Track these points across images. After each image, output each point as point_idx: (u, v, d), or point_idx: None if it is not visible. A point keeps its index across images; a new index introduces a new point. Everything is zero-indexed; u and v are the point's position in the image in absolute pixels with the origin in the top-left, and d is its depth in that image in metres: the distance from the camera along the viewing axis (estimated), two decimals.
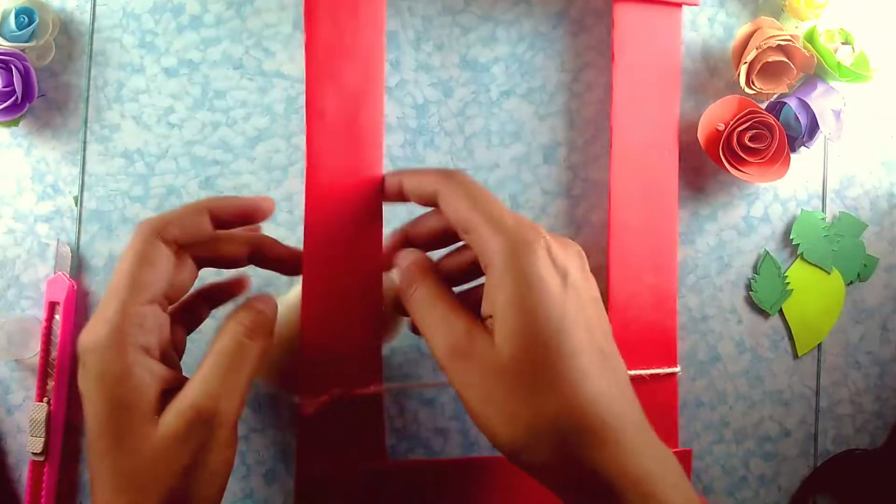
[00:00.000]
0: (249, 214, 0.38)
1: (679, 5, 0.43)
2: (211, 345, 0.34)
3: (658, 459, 0.29)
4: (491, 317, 0.30)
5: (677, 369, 0.42)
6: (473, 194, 0.32)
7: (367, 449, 0.37)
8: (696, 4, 0.43)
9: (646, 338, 0.42)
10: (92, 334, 0.33)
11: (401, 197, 0.37)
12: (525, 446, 0.29)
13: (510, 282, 0.29)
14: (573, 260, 0.32)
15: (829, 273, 0.46)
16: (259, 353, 0.34)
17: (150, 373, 0.33)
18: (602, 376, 0.29)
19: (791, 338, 0.46)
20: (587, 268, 0.33)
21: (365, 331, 0.37)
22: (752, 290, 0.46)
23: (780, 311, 0.46)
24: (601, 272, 0.43)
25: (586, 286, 0.31)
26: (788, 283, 0.46)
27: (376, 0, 0.38)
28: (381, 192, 0.38)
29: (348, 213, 0.37)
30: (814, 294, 0.46)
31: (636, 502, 0.28)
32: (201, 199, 0.37)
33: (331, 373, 0.36)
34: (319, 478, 0.36)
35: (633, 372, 0.41)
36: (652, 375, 0.41)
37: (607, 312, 0.39)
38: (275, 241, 0.38)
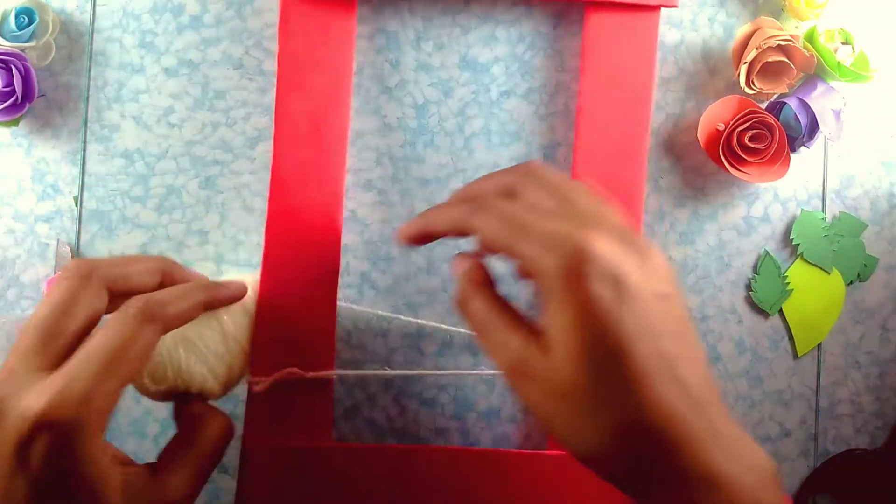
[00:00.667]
0: (236, 300, 0.38)
1: (656, 8, 0.43)
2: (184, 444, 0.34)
3: (734, 460, 0.28)
4: (548, 332, 0.30)
5: None
6: (510, 218, 0.31)
7: (313, 429, 0.39)
8: (674, 6, 0.43)
9: None
10: (59, 408, 0.29)
11: (434, 238, 0.35)
12: (599, 460, 0.29)
13: (562, 305, 0.28)
14: (629, 259, 0.29)
15: (829, 273, 0.46)
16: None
17: (107, 463, 0.31)
18: (669, 383, 0.28)
19: (791, 338, 0.46)
20: (652, 257, 0.30)
21: (319, 316, 0.39)
22: (752, 290, 0.46)
23: (780, 311, 0.46)
24: None
25: (647, 284, 0.29)
26: (788, 283, 0.46)
27: (347, 17, 0.41)
28: (342, 188, 0.41)
29: (309, 204, 0.40)
30: (814, 294, 0.46)
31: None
32: (196, 284, 0.36)
33: (283, 354, 0.38)
34: (263, 451, 0.38)
35: None
36: None
37: None
38: (182, 269, 0.38)
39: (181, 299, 0.34)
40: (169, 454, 0.35)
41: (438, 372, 0.43)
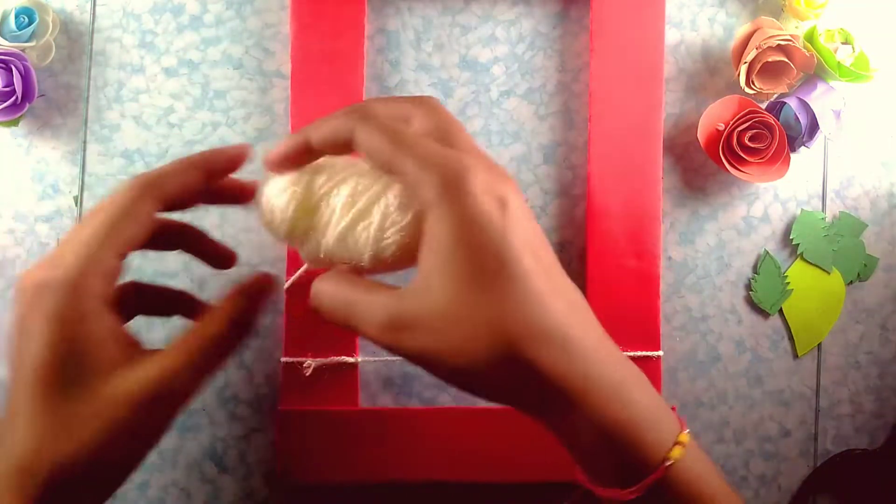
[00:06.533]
0: (237, 164, 0.36)
1: None
2: (195, 325, 0.33)
3: (618, 366, 0.29)
4: (421, 263, 0.30)
5: (660, 353, 0.43)
6: (392, 133, 0.30)
7: (341, 396, 0.42)
8: None
9: (627, 320, 0.43)
10: (52, 271, 0.31)
11: (313, 155, 0.33)
12: (488, 381, 0.29)
13: (442, 221, 0.28)
14: (508, 185, 0.30)
15: (829, 273, 0.46)
16: (234, 348, 0.33)
17: (109, 327, 0.32)
18: (553, 295, 0.29)
19: (791, 338, 0.46)
20: (521, 192, 0.31)
21: None
22: (752, 290, 0.46)
23: (780, 311, 0.46)
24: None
25: (525, 211, 0.30)
26: (788, 283, 0.46)
27: (357, 9, 0.43)
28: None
29: None
30: (814, 294, 0.46)
31: (596, 408, 0.28)
32: (191, 155, 0.35)
33: (311, 339, 0.42)
34: (297, 416, 0.42)
35: None
36: (632, 358, 0.42)
37: (585, 295, 0.41)
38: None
39: (180, 172, 0.34)
40: (175, 341, 0.33)
41: None
